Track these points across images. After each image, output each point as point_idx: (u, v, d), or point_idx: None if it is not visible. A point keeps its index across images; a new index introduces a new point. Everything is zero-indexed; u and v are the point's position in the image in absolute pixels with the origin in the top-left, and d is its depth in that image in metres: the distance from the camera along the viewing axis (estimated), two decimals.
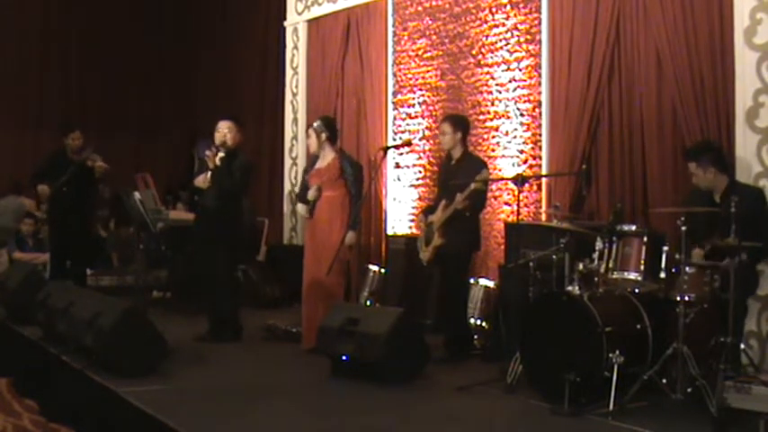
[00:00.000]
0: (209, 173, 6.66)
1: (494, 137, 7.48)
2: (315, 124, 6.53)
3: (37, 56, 12.37)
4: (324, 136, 6.41)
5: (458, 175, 6.03)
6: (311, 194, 6.37)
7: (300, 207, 6.82)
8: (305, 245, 6.62)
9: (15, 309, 7.32)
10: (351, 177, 6.33)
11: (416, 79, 8.39)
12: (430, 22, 8.26)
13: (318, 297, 6.26)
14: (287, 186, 10.04)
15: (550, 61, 6.96)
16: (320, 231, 6.33)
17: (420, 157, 8.33)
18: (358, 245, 8.19)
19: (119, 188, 9.36)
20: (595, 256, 5.13)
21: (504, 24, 7.45)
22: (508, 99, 7.38)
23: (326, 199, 6.36)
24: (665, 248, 4.93)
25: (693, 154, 5.21)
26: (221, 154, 6.66)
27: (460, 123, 6.29)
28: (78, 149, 8.24)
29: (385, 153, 7.45)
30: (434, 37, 8.20)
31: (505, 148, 7.37)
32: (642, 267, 4.96)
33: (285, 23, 10.17)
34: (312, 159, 6.63)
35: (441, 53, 8.13)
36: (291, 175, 9.93)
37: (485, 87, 7.62)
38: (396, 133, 8.59)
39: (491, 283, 6.70)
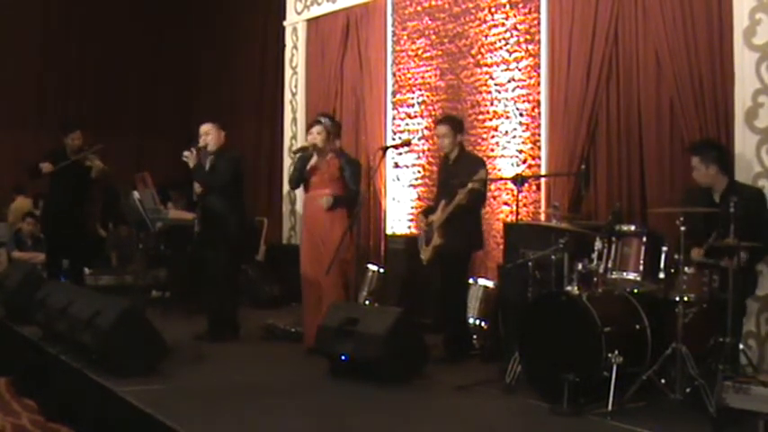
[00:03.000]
0: (193, 173, 6.72)
1: (493, 137, 7.48)
2: (325, 122, 6.45)
3: (37, 56, 12.37)
4: (331, 136, 6.40)
5: (457, 175, 6.03)
6: (325, 204, 6.30)
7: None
8: (301, 243, 6.62)
9: (14, 308, 7.32)
10: (351, 177, 6.31)
11: (416, 79, 8.39)
12: (429, 22, 8.26)
13: (318, 297, 6.25)
14: (286, 186, 10.02)
15: (549, 61, 6.96)
16: (320, 230, 6.32)
17: (419, 157, 8.33)
18: (357, 244, 8.18)
19: (117, 187, 9.36)
20: (594, 256, 5.13)
21: (503, 24, 7.45)
22: (507, 99, 7.38)
23: (320, 198, 6.35)
24: (664, 248, 4.93)
25: (698, 148, 5.23)
26: (211, 156, 6.73)
27: (458, 125, 6.28)
28: (78, 149, 8.23)
29: (384, 153, 7.43)
30: (434, 37, 8.20)
31: (505, 147, 7.37)
32: (641, 267, 4.96)
33: (284, 23, 10.17)
34: (312, 152, 6.52)
35: (440, 53, 8.13)
36: None
37: (484, 87, 7.62)
38: (395, 133, 8.58)
39: (490, 283, 6.70)
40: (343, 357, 5.41)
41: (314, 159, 6.41)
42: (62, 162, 8.05)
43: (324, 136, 6.34)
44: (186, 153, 6.71)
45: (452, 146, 6.18)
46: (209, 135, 6.78)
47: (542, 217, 6.77)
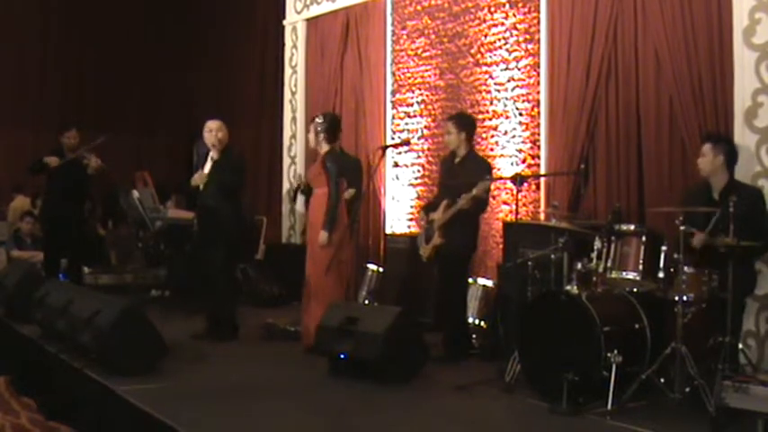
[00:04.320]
0: (208, 169, 6.70)
1: (492, 136, 7.48)
2: (316, 120, 6.52)
3: (36, 56, 12.38)
4: (321, 136, 6.40)
5: (461, 175, 6.03)
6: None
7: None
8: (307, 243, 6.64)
9: (14, 307, 7.31)
10: (331, 176, 6.23)
11: (415, 78, 8.39)
12: (429, 22, 8.26)
13: (316, 296, 6.25)
14: (285, 185, 10.03)
15: (549, 61, 6.96)
16: (312, 229, 6.35)
17: (419, 156, 8.33)
18: (357, 244, 8.19)
19: (117, 186, 9.37)
20: (594, 255, 5.13)
21: (502, 24, 7.45)
22: (507, 98, 7.38)
23: (316, 196, 6.39)
24: (664, 248, 4.93)
25: (714, 137, 5.25)
26: (213, 156, 6.74)
27: (465, 123, 6.27)
28: (75, 148, 8.24)
29: (384, 152, 7.44)
30: (433, 36, 8.20)
31: (504, 147, 7.37)
32: (641, 267, 4.96)
33: (284, 22, 10.17)
34: (314, 155, 6.62)
35: (439, 52, 8.13)
36: (290, 174, 9.93)
37: (483, 87, 7.62)
38: (394, 132, 8.58)
39: (490, 283, 6.70)
40: (342, 356, 5.41)
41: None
42: (63, 159, 8.06)
43: (312, 135, 6.45)
44: (197, 176, 6.73)
45: (457, 143, 6.17)
46: (220, 132, 6.77)
47: (542, 216, 6.76)
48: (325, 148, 6.39)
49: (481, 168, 6.02)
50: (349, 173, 6.78)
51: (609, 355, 4.61)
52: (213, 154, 6.76)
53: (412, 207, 8.35)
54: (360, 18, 9.02)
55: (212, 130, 6.76)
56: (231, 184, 6.70)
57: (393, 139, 8.49)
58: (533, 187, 7.08)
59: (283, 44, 10.19)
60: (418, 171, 8.33)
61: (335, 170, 6.25)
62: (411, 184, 8.42)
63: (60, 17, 12.59)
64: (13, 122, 11.86)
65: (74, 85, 12.57)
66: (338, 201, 6.27)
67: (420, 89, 8.33)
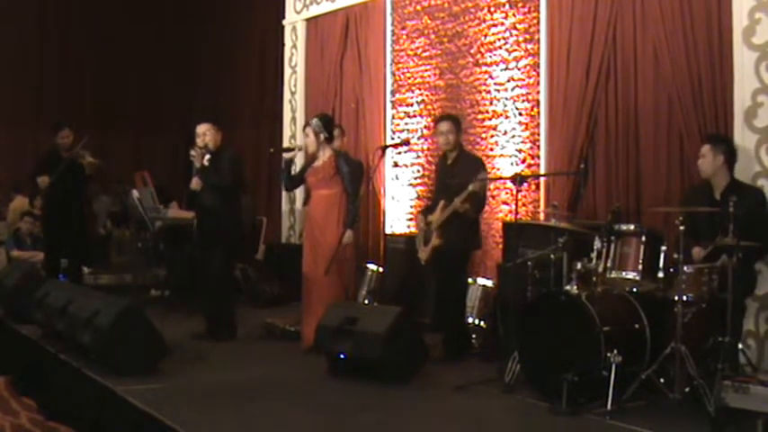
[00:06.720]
0: (200, 172, 6.71)
1: (492, 136, 7.48)
2: (312, 123, 6.49)
3: (35, 55, 12.37)
4: (322, 136, 6.40)
5: (456, 175, 6.03)
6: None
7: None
8: (303, 243, 6.63)
9: (14, 307, 7.32)
10: (347, 176, 6.29)
11: (415, 78, 8.39)
12: (428, 22, 8.26)
13: (317, 296, 6.26)
14: None
15: (549, 61, 6.96)
16: (316, 229, 6.33)
17: (418, 156, 8.33)
18: (357, 244, 8.19)
19: (118, 186, 9.37)
20: (593, 255, 5.13)
21: (502, 23, 7.45)
22: (506, 98, 7.38)
23: (322, 197, 6.36)
24: (664, 248, 4.93)
25: (713, 138, 5.27)
26: (207, 156, 6.71)
27: (459, 123, 6.31)
28: (69, 147, 8.25)
29: (383, 152, 7.44)
30: (433, 36, 8.20)
31: (504, 147, 7.37)
32: (640, 267, 4.96)
33: (284, 22, 10.17)
34: (310, 158, 6.61)
35: (439, 52, 8.13)
36: None
37: (483, 86, 7.62)
38: (394, 132, 8.58)
39: (489, 283, 6.70)
40: (342, 356, 5.41)
41: (316, 162, 6.44)
42: (57, 165, 8.06)
43: (312, 138, 6.39)
44: (193, 152, 6.71)
45: (455, 144, 6.18)
46: (207, 135, 6.77)
47: (541, 216, 6.76)
48: (328, 150, 6.39)
49: (475, 166, 6.03)
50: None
51: (609, 355, 4.61)
52: (205, 157, 6.74)
53: (412, 207, 8.35)
54: (360, 18, 9.02)
55: (200, 135, 6.77)
56: (225, 185, 6.69)
57: (393, 139, 8.48)
58: (533, 187, 7.08)
59: (283, 44, 10.19)
60: (418, 171, 8.34)
61: (350, 172, 6.27)
62: (411, 184, 8.42)
63: (60, 17, 12.58)
64: (12, 122, 11.86)
65: (74, 85, 12.56)
66: (355, 200, 6.28)
67: (420, 89, 8.34)
